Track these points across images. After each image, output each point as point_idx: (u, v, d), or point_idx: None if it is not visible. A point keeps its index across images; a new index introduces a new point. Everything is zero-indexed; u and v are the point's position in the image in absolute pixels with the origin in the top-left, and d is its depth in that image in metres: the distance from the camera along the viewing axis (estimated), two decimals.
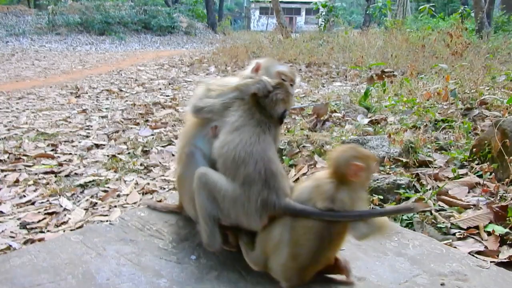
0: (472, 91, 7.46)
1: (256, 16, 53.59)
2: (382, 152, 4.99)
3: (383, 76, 7.91)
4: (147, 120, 8.20)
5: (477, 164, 4.83)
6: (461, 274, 2.50)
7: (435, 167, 4.83)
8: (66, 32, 26.99)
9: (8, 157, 6.13)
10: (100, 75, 13.73)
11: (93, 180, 5.36)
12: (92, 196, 4.99)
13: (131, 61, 17.33)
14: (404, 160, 4.96)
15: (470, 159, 4.98)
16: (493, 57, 9.13)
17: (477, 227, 3.66)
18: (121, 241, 2.63)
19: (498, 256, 3.27)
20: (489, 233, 3.57)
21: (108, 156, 6.27)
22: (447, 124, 6.30)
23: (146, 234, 2.72)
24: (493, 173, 4.17)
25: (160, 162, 6.03)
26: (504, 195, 4.10)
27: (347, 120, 7.18)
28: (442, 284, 2.39)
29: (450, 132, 6.11)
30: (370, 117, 7.09)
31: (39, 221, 4.45)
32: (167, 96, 10.66)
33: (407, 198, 4.18)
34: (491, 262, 2.84)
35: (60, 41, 25.65)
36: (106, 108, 9.29)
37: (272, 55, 16.68)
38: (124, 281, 2.25)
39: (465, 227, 3.70)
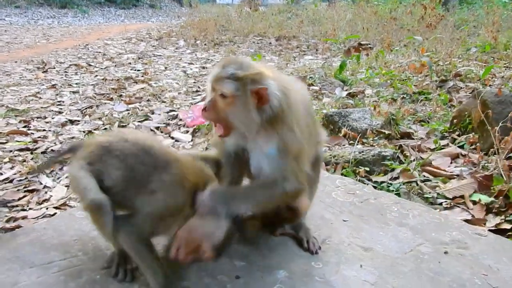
0: (446, 63, 7.55)
1: None
2: (364, 125, 5.02)
3: (360, 49, 7.91)
4: (120, 95, 8.00)
5: (457, 135, 4.93)
6: (462, 242, 2.56)
7: (417, 139, 4.90)
8: (26, 5, 25.89)
9: None
10: (66, 49, 13.26)
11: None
12: None
13: (97, 35, 16.80)
14: (387, 132, 5.01)
15: (451, 130, 5.07)
16: (466, 29, 9.24)
17: (462, 197, 3.74)
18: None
19: (485, 224, 3.35)
20: (474, 202, 3.65)
21: (84, 132, 6.10)
22: (423, 96, 6.39)
23: None
24: (478, 144, 4.23)
25: None
26: (485, 164, 4.19)
27: (324, 93, 7.18)
28: (446, 252, 2.44)
29: (427, 104, 6.19)
30: (347, 90, 7.10)
31: (20, 199, 4.30)
32: (138, 70, 10.40)
33: (393, 170, 4.24)
34: (488, 230, 2.90)
35: (20, 15, 24.60)
36: (76, 83, 9.00)
37: (241, 28, 16.49)
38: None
39: (451, 197, 3.78)
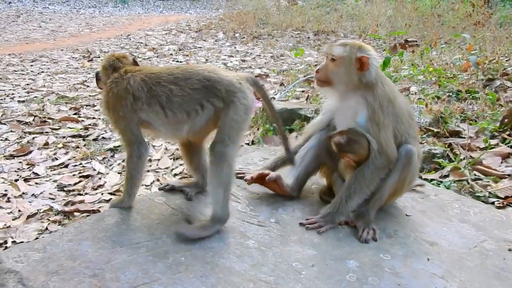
0: (493, 61, 7.45)
1: None
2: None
3: (406, 45, 7.86)
4: None
5: (508, 135, 4.89)
6: None
7: (466, 137, 4.88)
8: None
9: (34, 120, 6.13)
10: (109, 39, 13.57)
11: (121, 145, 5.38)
12: (123, 160, 5.00)
13: (138, 25, 17.10)
14: (435, 130, 5.01)
15: (501, 129, 5.03)
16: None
17: None
18: (201, 203, 2.72)
19: None
20: None
21: None
22: (469, 94, 6.33)
23: None
24: None
25: None
26: None
27: None
28: (510, 250, 2.48)
29: (474, 102, 6.14)
30: None
31: (75, 183, 4.49)
32: (179, 61, 10.59)
33: (443, 168, 4.26)
34: None
35: (63, 3, 25.19)
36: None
37: (280, 22, 16.49)
38: (214, 241, 2.34)
39: (503, 196, 3.77)
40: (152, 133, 2.82)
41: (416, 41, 8.96)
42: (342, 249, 2.37)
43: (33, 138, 5.51)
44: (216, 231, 2.45)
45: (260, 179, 2.88)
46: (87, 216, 3.76)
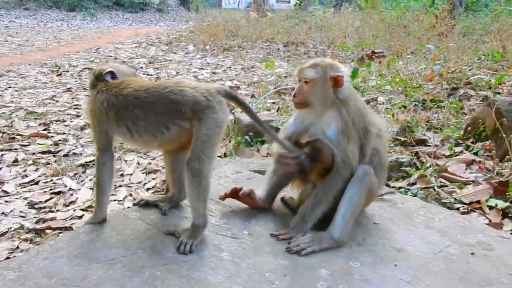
0: (457, 71, 7.70)
1: None
2: (386, 127, 5.16)
3: (373, 56, 8.05)
4: None
5: (471, 142, 5.07)
6: (487, 244, 2.72)
7: (431, 146, 5.04)
8: (35, 7, 26.15)
9: (2, 136, 6.05)
10: (77, 52, 13.47)
11: (93, 160, 5.34)
12: (95, 176, 4.99)
13: (107, 39, 17.02)
14: (402, 139, 5.16)
15: (465, 137, 5.21)
16: (478, 38, 9.40)
17: (478, 202, 3.88)
18: (176, 218, 2.77)
19: (502, 228, 3.50)
20: (490, 207, 3.79)
21: None
22: (434, 103, 6.53)
23: None
24: (493, 151, 4.37)
25: None
26: (500, 171, 4.33)
27: None
28: (472, 254, 2.60)
29: (439, 111, 6.34)
30: None
31: (47, 200, 4.44)
32: (150, 75, 10.58)
33: (410, 176, 4.39)
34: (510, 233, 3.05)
35: (30, 17, 24.85)
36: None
37: (250, 34, 16.66)
38: (190, 255, 2.39)
39: (468, 202, 3.91)
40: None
41: (383, 52, 9.19)
42: (313, 258, 2.44)
43: (2, 155, 5.43)
44: (202, 236, 2.56)
45: (234, 194, 2.95)
46: (60, 233, 3.77)
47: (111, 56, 12.99)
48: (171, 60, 12.70)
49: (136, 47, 15.10)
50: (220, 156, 4.99)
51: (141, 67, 11.45)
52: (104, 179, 2.80)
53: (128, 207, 2.93)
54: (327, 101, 2.75)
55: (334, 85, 2.73)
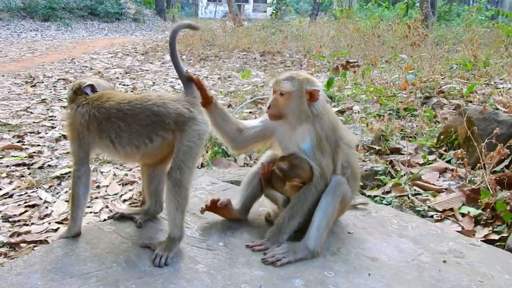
0: (430, 80, 7.85)
1: (204, 3, 52.99)
2: (356, 141, 5.23)
3: (348, 66, 8.17)
4: None
5: (444, 151, 5.17)
6: (458, 251, 2.77)
7: (405, 154, 5.12)
8: (8, 18, 25.70)
9: None
10: (52, 63, 13.30)
11: (69, 172, 5.28)
12: (70, 189, 4.94)
13: (82, 49, 16.87)
14: (377, 147, 5.24)
15: (438, 145, 5.32)
16: (450, 48, 9.63)
17: (451, 209, 3.96)
18: (152, 230, 2.75)
19: (474, 235, 3.57)
20: (463, 214, 3.87)
21: None
22: (408, 112, 6.64)
23: None
24: (465, 159, 4.47)
25: None
26: (472, 178, 4.43)
27: None
28: (444, 261, 2.65)
29: (413, 120, 6.45)
30: (334, 107, 7.32)
31: (21, 213, 4.37)
32: (126, 85, 10.52)
33: (385, 184, 4.45)
34: (481, 240, 3.12)
35: (3, 27, 24.40)
36: (65, 98, 9.05)
37: (226, 43, 16.71)
38: (165, 268, 2.38)
39: (441, 210, 3.99)
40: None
41: (357, 62, 9.33)
42: (288, 268, 2.46)
43: None
44: (178, 248, 2.58)
45: (213, 205, 2.95)
46: (35, 246, 3.72)
47: (87, 67, 12.88)
48: (147, 70, 12.66)
49: (112, 57, 15.00)
50: (197, 167, 4.99)
51: (117, 77, 11.40)
52: (79, 193, 2.78)
53: (104, 220, 2.91)
54: (301, 115, 2.77)
55: (310, 99, 2.76)
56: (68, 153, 5.98)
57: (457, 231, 3.50)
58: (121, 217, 2.99)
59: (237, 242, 2.70)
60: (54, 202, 4.62)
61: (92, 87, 2.81)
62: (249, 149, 3.37)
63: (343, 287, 2.33)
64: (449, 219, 3.86)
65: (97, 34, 25.01)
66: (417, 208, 4.03)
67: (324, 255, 2.62)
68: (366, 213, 3.20)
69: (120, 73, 11.96)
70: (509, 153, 4.28)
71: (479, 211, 3.85)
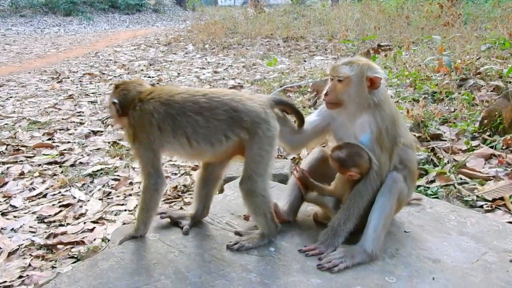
0: (466, 61, 7.55)
1: None
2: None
3: (379, 50, 7.91)
4: None
5: (488, 136, 4.93)
6: None
7: (447, 140, 4.90)
8: (31, 14, 25.97)
9: (6, 149, 5.93)
10: (77, 58, 13.32)
11: (101, 169, 5.25)
12: (103, 186, 4.89)
13: (105, 42, 16.87)
14: (417, 134, 5.02)
15: (481, 130, 5.07)
16: (486, 28, 9.23)
17: (502, 198, 3.75)
18: (197, 237, 2.62)
19: None
20: None
21: (109, 143, 6.13)
22: (445, 95, 6.38)
23: (219, 228, 2.72)
24: None
25: None
26: None
27: None
28: (511, 261, 2.45)
29: (450, 104, 6.19)
30: None
31: (56, 214, 4.34)
32: (151, 77, 10.45)
33: (428, 173, 4.26)
34: None
35: (26, 24, 24.67)
36: (92, 93, 9.04)
37: (249, 30, 16.51)
38: (217, 278, 2.24)
39: (491, 199, 3.78)
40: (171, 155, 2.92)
41: (389, 45, 9.04)
42: (346, 274, 2.30)
43: (7, 168, 5.32)
44: (266, 243, 2.57)
45: None
46: (72, 247, 3.65)
47: (111, 60, 12.87)
48: (171, 61, 12.57)
49: (135, 49, 14.96)
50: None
51: (142, 70, 11.36)
52: (153, 203, 2.65)
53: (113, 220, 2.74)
54: (361, 103, 2.59)
55: (370, 86, 2.57)
56: (99, 149, 5.93)
57: (510, 222, 3.31)
58: (168, 218, 2.87)
59: (289, 246, 2.55)
60: (88, 200, 4.57)
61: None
62: (307, 146, 3.23)
63: None
64: (500, 209, 3.66)
65: (118, 27, 25.07)
66: (465, 198, 3.83)
67: (383, 258, 2.46)
68: (421, 209, 3.02)
69: (145, 65, 11.91)
70: None
71: None
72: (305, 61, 11.67)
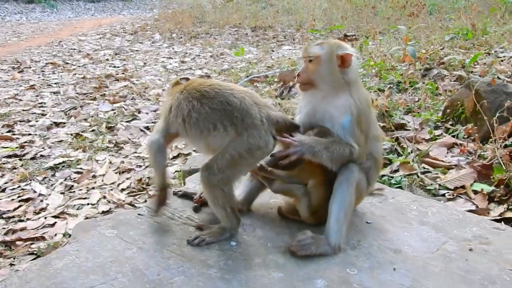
0: (429, 51, 7.64)
1: None
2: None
3: (345, 39, 7.93)
4: (103, 94, 7.86)
5: (451, 125, 5.00)
6: (483, 237, 2.62)
7: (411, 130, 4.96)
8: None
9: None
10: (39, 47, 12.91)
11: (63, 162, 5.12)
12: (65, 179, 4.78)
13: (69, 31, 16.41)
14: (381, 124, 5.05)
15: (443, 120, 5.15)
16: (450, 18, 9.37)
17: (463, 187, 3.82)
18: (157, 232, 2.56)
19: (489, 213, 3.44)
20: (475, 192, 3.73)
21: (71, 135, 5.99)
22: (409, 85, 6.45)
23: (179, 223, 2.66)
24: (476, 134, 4.30)
25: (129, 139, 5.83)
26: (482, 153, 4.28)
27: None
28: (470, 249, 2.49)
29: (414, 93, 6.26)
30: None
31: (15, 209, 4.23)
32: (116, 67, 10.26)
33: (392, 162, 4.30)
34: (504, 224, 2.97)
35: None
36: (55, 83, 8.81)
37: (217, 19, 16.37)
38: (176, 275, 2.18)
39: (452, 188, 3.85)
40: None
41: (355, 35, 9.07)
42: (308, 267, 2.29)
43: None
44: (227, 237, 2.56)
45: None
46: (31, 244, 3.56)
47: (75, 49, 12.56)
48: (137, 50, 12.37)
49: (100, 38, 14.65)
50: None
51: (107, 59, 11.14)
52: (151, 157, 2.85)
53: (103, 221, 2.68)
54: (334, 82, 2.56)
55: (341, 64, 2.55)
56: (61, 141, 5.81)
57: (471, 210, 3.37)
58: (184, 195, 3.07)
59: (251, 240, 2.51)
60: (49, 194, 4.48)
61: (188, 80, 2.87)
62: None
63: (368, 285, 2.17)
64: (461, 197, 3.73)
65: (83, 15, 24.47)
66: (428, 187, 3.89)
67: (345, 250, 2.45)
68: (383, 200, 3.03)
69: (110, 55, 11.70)
70: None
71: (492, 187, 3.72)
72: (273, 50, 11.65)
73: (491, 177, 3.86)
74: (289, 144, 2.49)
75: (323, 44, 2.62)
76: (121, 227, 2.59)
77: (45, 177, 4.81)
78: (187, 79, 2.89)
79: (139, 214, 2.73)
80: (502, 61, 6.98)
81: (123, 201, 4.30)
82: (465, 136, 4.62)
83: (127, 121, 6.44)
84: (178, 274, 2.19)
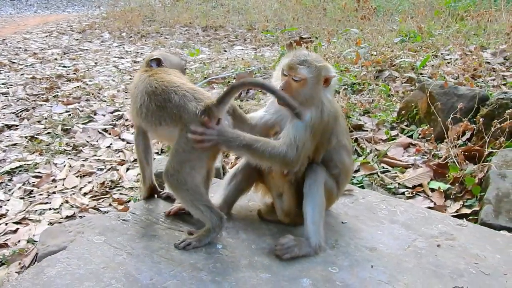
0: (380, 53, 7.89)
1: None
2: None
3: (301, 42, 8.07)
4: (56, 95, 7.65)
5: (406, 126, 5.23)
6: (448, 233, 2.80)
7: (368, 131, 5.14)
8: None
9: None
10: None
11: (20, 166, 4.98)
12: (24, 184, 4.67)
13: (13, 28, 15.77)
14: None
15: (399, 120, 5.37)
16: (400, 21, 9.70)
17: (421, 185, 4.02)
18: (144, 238, 2.57)
19: (446, 210, 3.64)
20: (432, 190, 3.94)
21: (26, 137, 5.82)
22: (363, 86, 6.66)
23: (164, 227, 2.69)
24: (432, 135, 4.52)
25: (87, 141, 5.73)
26: (436, 153, 4.51)
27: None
28: (438, 245, 2.67)
29: (368, 95, 6.47)
30: None
31: None
32: (67, 67, 9.99)
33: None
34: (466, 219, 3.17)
35: None
36: (3, 84, 8.49)
37: (167, 18, 16.20)
38: (168, 279, 2.22)
39: (411, 186, 4.04)
40: None
41: (310, 38, 9.25)
42: (292, 267, 2.39)
43: None
44: (214, 237, 2.60)
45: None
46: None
47: (20, 48, 12.11)
48: (87, 49, 12.07)
49: (46, 36, 14.18)
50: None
51: (56, 59, 10.81)
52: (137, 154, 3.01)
53: (91, 229, 2.65)
54: (313, 99, 2.64)
55: (323, 84, 2.66)
56: (15, 144, 5.64)
57: (429, 207, 3.55)
58: (168, 198, 3.12)
59: (235, 242, 2.59)
60: (8, 200, 4.38)
61: (158, 61, 2.94)
62: None
63: (350, 283, 2.29)
64: (420, 195, 3.92)
65: (26, 11, 23.56)
66: (388, 186, 4.06)
67: (325, 249, 2.57)
68: (354, 200, 3.17)
69: (58, 54, 11.35)
70: (474, 127, 4.39)
71: (448, 185, 3.93)
72: (225, 50, 11.66)
73: (447, 175, 4.07)
74: (202, 134, 2.53)
75: (310, 65, 2.61)
76: (108, 233, 2.59)
77: (1, 182, 4.68)
78: (159, 60, 2.94)
79: (124, 220, 2.73)
80: (448, 63, 7.31)
81: (87, 205, 4.24)
82: (420, 136, 4.84)
83: (83, 123, 6.31)
84: (171, 278, 2.23)
